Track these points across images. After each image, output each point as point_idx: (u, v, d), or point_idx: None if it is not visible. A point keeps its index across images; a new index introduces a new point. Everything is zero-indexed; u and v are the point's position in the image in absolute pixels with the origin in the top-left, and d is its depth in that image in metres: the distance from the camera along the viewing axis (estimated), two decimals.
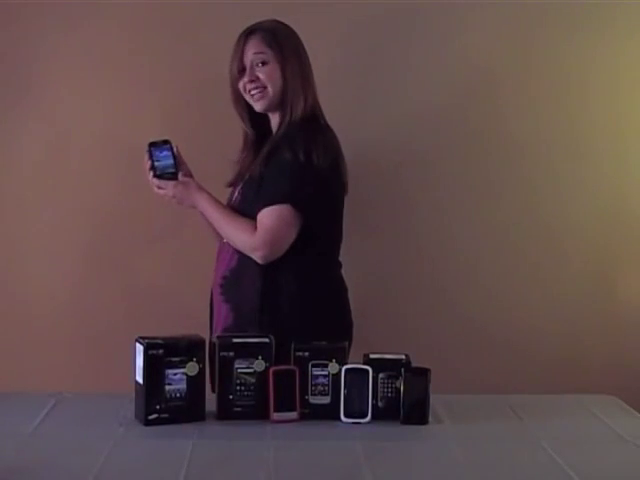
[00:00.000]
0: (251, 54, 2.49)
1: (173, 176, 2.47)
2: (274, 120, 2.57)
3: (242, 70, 2.50)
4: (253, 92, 2.50)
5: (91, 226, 3.16)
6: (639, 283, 3.37)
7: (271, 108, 2.53)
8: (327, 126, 2.55)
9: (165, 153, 2.46)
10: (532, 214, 3.29)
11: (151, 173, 2.48)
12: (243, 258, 2.48)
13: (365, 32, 3.16)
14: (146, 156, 2.48)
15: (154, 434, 2.04)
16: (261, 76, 2.48)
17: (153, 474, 1.85)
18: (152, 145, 2.47)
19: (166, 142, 2.47)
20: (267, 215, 2.40)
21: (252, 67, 2.49)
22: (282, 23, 2.55)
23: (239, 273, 2.50)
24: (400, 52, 3.18)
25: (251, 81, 2.49)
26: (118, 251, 3.18)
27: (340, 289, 2.60)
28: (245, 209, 2.48)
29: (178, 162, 2.48)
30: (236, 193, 2.56)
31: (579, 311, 3.32)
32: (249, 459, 1.92)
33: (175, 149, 2.48)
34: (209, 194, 2.51)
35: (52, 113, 3.13)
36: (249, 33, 2.51)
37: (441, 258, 3.28)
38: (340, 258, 2.64)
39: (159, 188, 2.49)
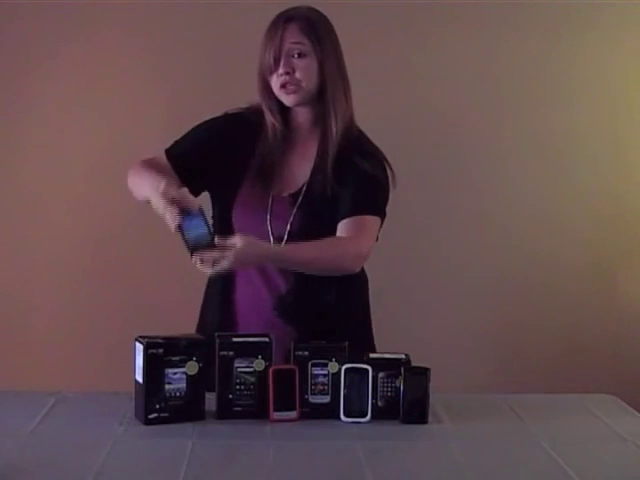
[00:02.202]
0: (289, 44, 2.27)
1: (209, 246, 2.08)
2: (303, 116, 2.36)
3: (278, 59, 2.28)
4: (288, 86, 2.28)
5: (91, 227, 3.17)
6: (639, 283, 3.37)
7: (303, 103, 2.32)
8: None
9: (196, 221, 2.09)
10: (532, 213, 3.30)
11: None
12: (300, 276, 2.30)
13: (365, 31, 3.17)
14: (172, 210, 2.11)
15: (154, 433, 2.03)
16: (297, 69, 2.27)
17: (153, 473, 1.85)
18: (180, 215, 2.09)
19: (199, 208, 2.12)
20: (371, 223, 2.30)
21: (288, 57, 2.28)
22: (317, 11, 2.36)
23: (300, 292, 2.33)
24: (399, 52, 3.19)
25: (286, 73, 2.27)
26: (118, 251, 3.18)
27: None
28: (312, 230, 2.28)
29: (210, 227, 2.12)
30: (295, 210, 2.31)
31: (579, 311, 3.33)
32: (249, 458, 1.92)
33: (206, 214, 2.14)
34: (271, 247, 2.25)
35: (52, 117, 3.13)
36: (286, 20, 2.29)
37: (441, 257, 3.29)
38: None
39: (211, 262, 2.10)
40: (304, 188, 2.33)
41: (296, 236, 2.30)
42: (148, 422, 2.07)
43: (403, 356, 2.18)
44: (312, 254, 2.22)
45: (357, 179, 2.30)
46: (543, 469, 1.90)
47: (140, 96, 3.13)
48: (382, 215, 2.35)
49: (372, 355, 2.18)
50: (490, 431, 2.12)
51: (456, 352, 3.25)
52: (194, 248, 2.08)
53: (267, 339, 2.14)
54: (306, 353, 2.15)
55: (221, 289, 2.40)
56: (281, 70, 2.28)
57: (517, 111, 3.28)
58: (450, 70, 3.23)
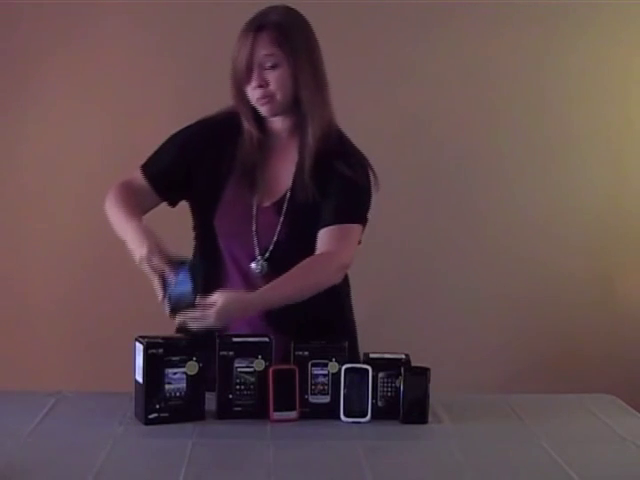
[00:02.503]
0: (260, 55, 2.20)
1: (189, 305, 2.06)
2: (281, 123, 2.31)
3: (250, 70, 2.22)
4: (261, 100, 2.23)
5: (91, 226, 3.16)
6: (638, 283, 3.37)
7: (279, 113, 2.28)
8: None
9: (182, 275, 2.07)
10: (532, 215, 3.30)
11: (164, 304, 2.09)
12: None
13: (359, 32, 3.17)
14: (157, 280, 2.10)
15: (154, 433, 2.04)
16: (270, 82, 2.21)
17: (153, 473, 1.85)
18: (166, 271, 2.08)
19: (183, 262, 2.09)
20: (353, 231, 2.26)
21: (261, 69, 2.22)
22: (292, 12, 2.28)
23: None
24: (394, 54, 3.20)
25: (260, 86, 2.22)
26: (118, 251, 3.17)
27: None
28: (299, 239, 2.26)
29: (196, 285, 2.08)
30: (282, 219, 2.26)
31: (579, 311, 3.34)
32: (249, 458, 1.92)
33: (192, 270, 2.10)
34: (253, 294, 2.14)
35: (53, 116, 3.13)
36: (257, 29, 2.22)
37: (441, 259, 3.29)
38: None
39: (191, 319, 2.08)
40: (287, 195, 2.28)
41: (283, 245, 2.27)
42: (148, 422, 2.07)
43: (403, 356, 2.18)
44: (295, 288, 2.17)
45: (339, 186, 2.25)
46: (543, 469, 1.90)
47: (142, 93, 3.13)
48: (364, 221, 2.30)
49: (372, 355, 2.18)
50: (490, 431, 2.11)
51: (456, 352, 3.25)
52: (175, 308, 2.06)
53: (267, 339, 2.15)
54: (306, 353, 2.15)
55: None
56: (254, 83, 2.22)
57: (512, 116, 3.29)
58: (444, 73, 3.24)
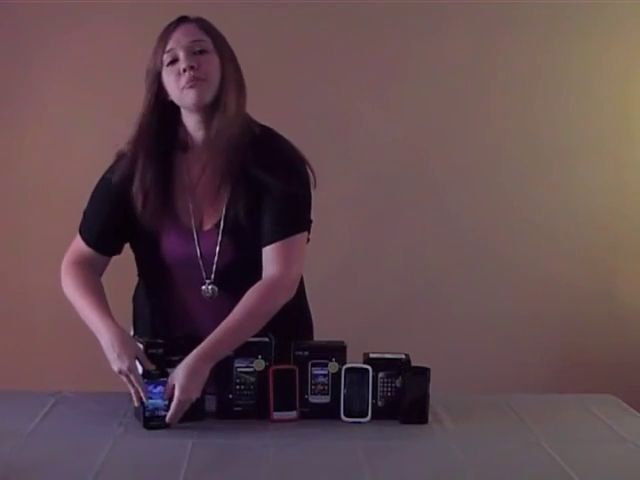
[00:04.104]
0: (187, 41, 2.11)
1: (162, 421, 2.04)
2: (191, 119, 2.18)
3: (176, 59, 2.11)
4: (190, 83, 2.09)
5: None
6: (637, 287, 3.38)
7: (206, 101, 2.13)
8: None
9: (159, 389, 2.04)
10: (532, 213, 3.30)
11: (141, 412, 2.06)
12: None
13: (356, 32, 3.18)
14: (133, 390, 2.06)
15: (154, 433, 2.03)
16: (201, 64, 2.10)
17: (153, 473, 1.85)
18: (147, 377, 2.05)
19: (164, 374, 2.06)
20: (298, 241, 2.18)
21: (189, 53, 2.10)
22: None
23: None
24: (395, 55, 3.20)
25: (191, 67, 2.09)
26: None
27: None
28: (244, 256, 2.20)
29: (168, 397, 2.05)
30: (220, 240, 2.19)
31: (579, 311, 3.33)
32: (249, 458, 1.92)
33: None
34: (202, 349, 2.06)
35: (53, 115, 3.13)
36: (180, 21, 2.16)
37: (441, 258, 3.29)
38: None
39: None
40: (223, 215, 2.19)
41: (229, 266, 2.20)
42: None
43: (403, 356, 2.18)
44: (247, 327, 2.11)
45: (275, 200, 2.16)
46: (543, 469, 1.90)
47: (143, 92, 3.13)
48: (308, 225, 2.23)
49: (372, 355, 2.18)
50: (490, 431, 2.11)
51: (456, 352, 3.25)
52: (149, 419, 2.04)
53: (267, 339, 2.14)
54: (306, 353, 2.15)
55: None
56: (183, 65, 2.10)
57: (509, 118, 3.29)
58: (441, 75, 3.24)
